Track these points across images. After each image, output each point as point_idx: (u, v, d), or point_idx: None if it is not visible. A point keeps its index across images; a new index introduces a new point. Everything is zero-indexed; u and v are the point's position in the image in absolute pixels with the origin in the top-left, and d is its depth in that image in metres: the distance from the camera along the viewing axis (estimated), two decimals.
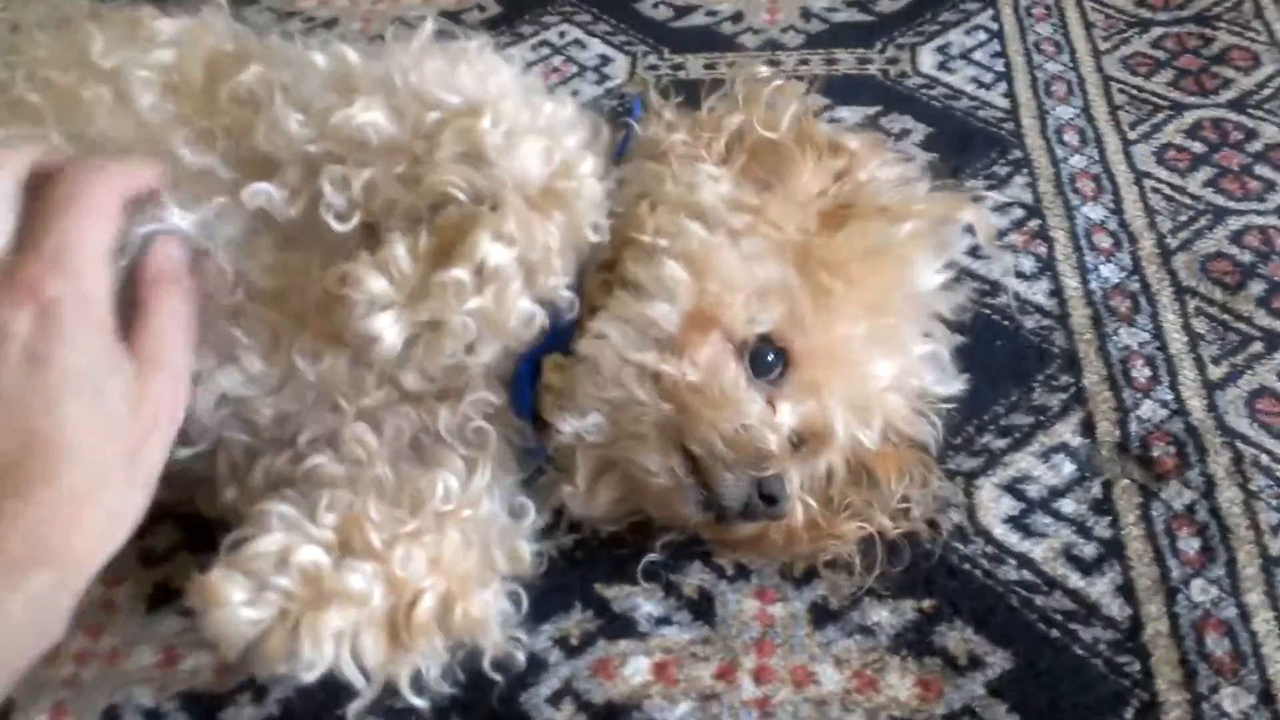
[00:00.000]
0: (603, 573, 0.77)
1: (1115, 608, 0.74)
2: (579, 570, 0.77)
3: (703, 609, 0.75)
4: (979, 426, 0.86)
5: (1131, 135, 1.13)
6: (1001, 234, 1.02)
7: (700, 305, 0.72)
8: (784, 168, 0.77)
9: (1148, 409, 0.86)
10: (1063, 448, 0.84)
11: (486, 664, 0.70)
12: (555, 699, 0.71)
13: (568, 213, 0.70)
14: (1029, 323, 0.94)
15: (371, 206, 0.69)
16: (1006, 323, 0.94)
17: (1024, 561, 0.77)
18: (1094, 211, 1.04)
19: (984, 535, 0.79)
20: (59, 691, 0.71)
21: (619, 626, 0.74)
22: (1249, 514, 0.79)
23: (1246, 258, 0.99)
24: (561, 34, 1.32)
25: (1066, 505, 0.81)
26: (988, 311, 0.94)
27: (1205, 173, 1.08)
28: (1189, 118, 1.15)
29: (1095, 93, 1.18)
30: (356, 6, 1.38)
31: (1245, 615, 0.73)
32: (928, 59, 1.25)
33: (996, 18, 1.30)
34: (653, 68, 1.26)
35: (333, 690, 0.67)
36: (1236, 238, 1.01)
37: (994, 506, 0.81)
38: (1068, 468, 0.83)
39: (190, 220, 0.71)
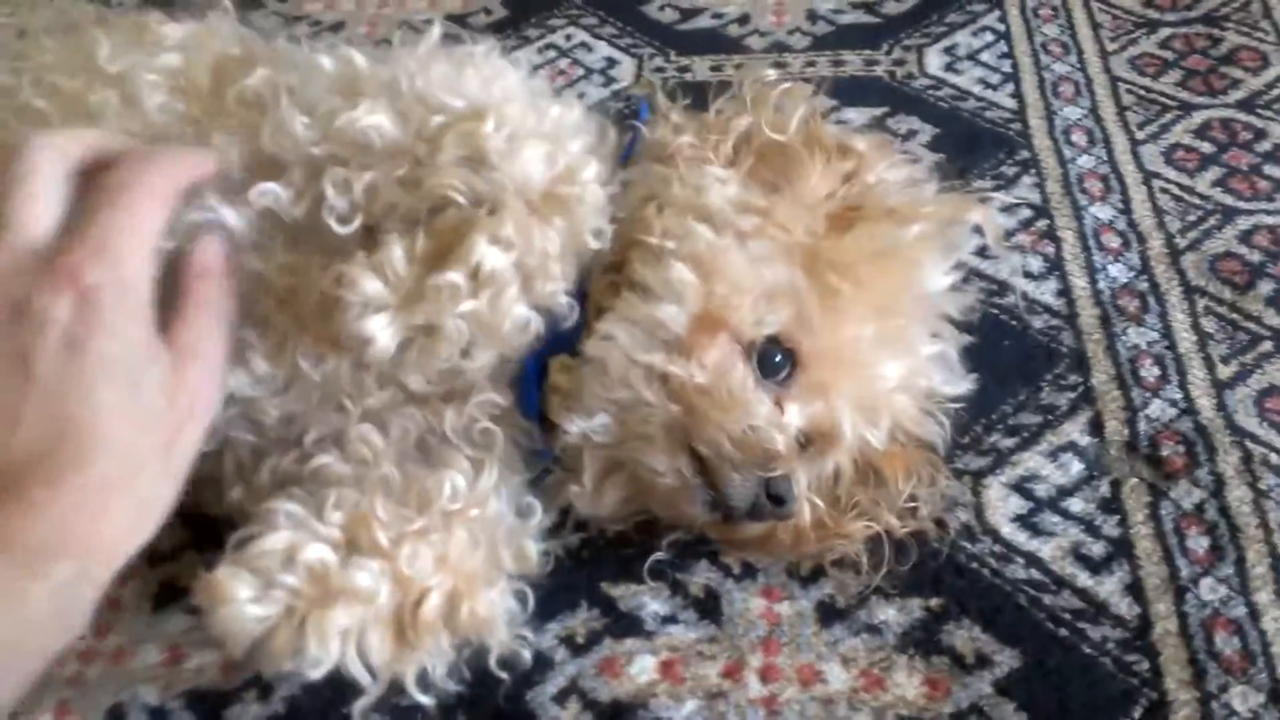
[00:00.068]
0: (609, 571, 0.77)
1: (1124, 606, 0.74)
2: (585, 569, 0.77)
3: (709, 608, 0.75)
4: (987, 426, 0.85)
5: (1139, 135, 1.12)
6: (1009, 234, 1.01)
7: (708, 307, 0.72)
8: (792, 170, 0.77)
9: (1156, 408, 0.86)
10: (1071, 447, 0.84)
11: (493, 662, 0.70)
12: (561, 697, 0.71)
13: (569, 218, 0.70)
14: (1037, 322, 0.94)
15: (373, 209, 0.69)
16: (1014, 323, 0.94)
17: (1032, 560, 0.77)
18: (1102, 211, 1.04)
19: (992, 534, 0.79)
20: (63, 690, 0.72)
21: (625, 625, 0.74)
22: (1258, 513, 0.78)
23: (1256, 257, 0.98)
24: (568, 37, 1.32)
25: (1075, 504, 0.80)
26: (996, 311, 0.94)
27: (1214, 172, 1.07)
28: (1197, 118, 1.14)
29: (1103, 93, 1.18)
30: (362, 10, 1.39)
31: (1255, 614, 0.73)
32: (935, 60, 1.25)
33: (1003, 19, 1.30)
34: (659, 70, 1.26)
35: (339, 688, 0.67)
36: (1245, 237, 1.00)
37: (1002, 505, 0.80)
38: (1076, 467, 0.83)
39: (236, 214, 0.71)
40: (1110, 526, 0.79)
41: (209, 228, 0.70)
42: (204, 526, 0.77)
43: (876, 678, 0.71)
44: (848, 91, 1.18)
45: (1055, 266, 0.99)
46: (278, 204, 0.70)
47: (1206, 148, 1.10)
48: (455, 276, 0.65)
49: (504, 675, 0.70)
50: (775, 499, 0.71)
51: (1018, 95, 1.19)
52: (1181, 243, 1.00)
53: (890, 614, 0.74)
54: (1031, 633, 0.73)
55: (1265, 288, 0.95)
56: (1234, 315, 0.93)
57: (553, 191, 0.69)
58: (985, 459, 0.83)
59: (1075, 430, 0.85)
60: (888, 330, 0.75)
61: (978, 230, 0.83)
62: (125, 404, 0.60)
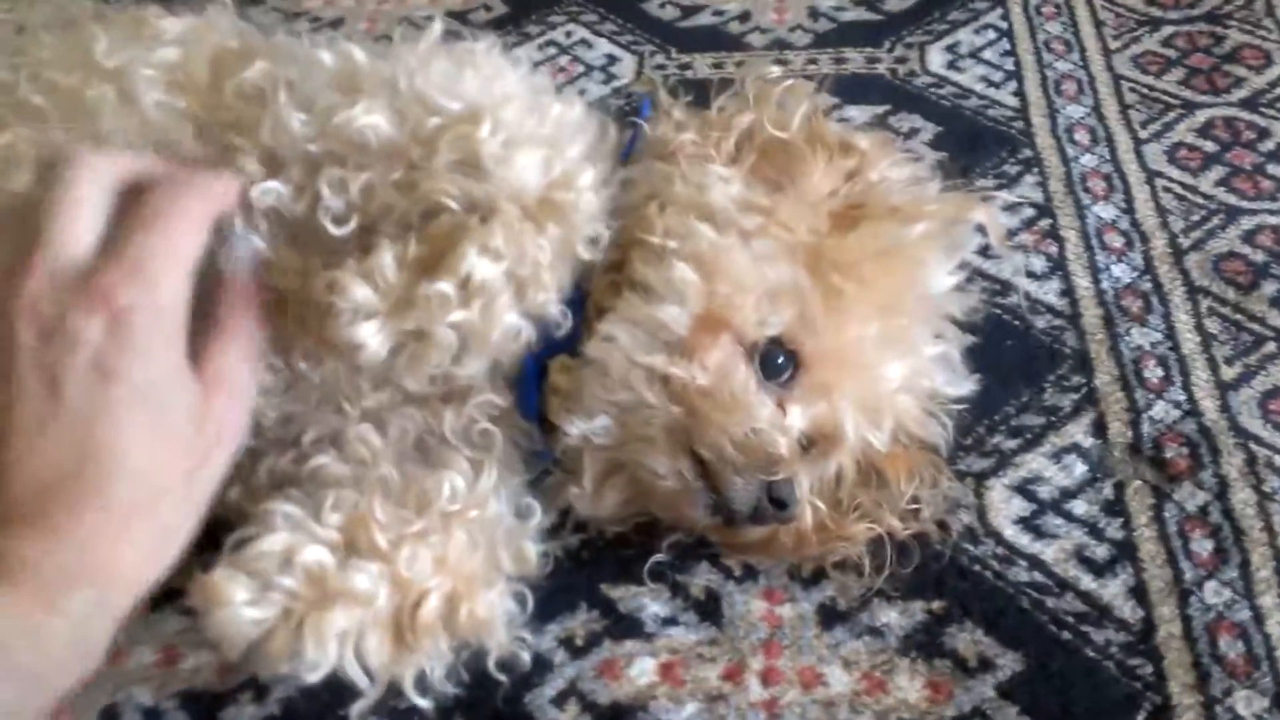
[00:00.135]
0: (609, 573, 0.76)
1: (1127, 610, 0.73)
2: (585, 570, 0.76)
3: (710, 610, 0.75)
4: (990, 427, 0.85)
5: (1143, 134, 1.12)
6: (1012, 233, 1.01)
7: (710, 307, 0.71)
8: (794, 167, 0.76)
9: (1160, 410, 0.86)
10: (1074, 448, 0.84)
11: (492, 664, 0.69)
12: (560, 699, 0.70)
13: (563, 226, 0.69)
14: (1040, 323, 0.93)
15: (369, 210, 0.68)
16: (1017, 323, 0.93)
17: (1035, 563, 0.76)
18: (1105, 211, 1.03)
19: (994, 536, 0.78)
20: None
21: (625, 627, 0.74)
22: (1263, 516, 0.78)
23: (1259, 257, 0.98)
24: (568, 34, 1.31)
25: (1078, 506, 0.80)
26: (998, 312, 0.93)
27: (1217, 172, 1.07)
28: (1200, 116, 1.14)
29: (1106, 91, 1.18)
30: (362, 7, 1.38)
31: (1259, 618, 0.72)
32: (937, 58, 1.24)
33: (1006, 16, 1.30)
34: (660, 67, 1.25)
35: (336, 690, 0.67)
36: (1249, 237, 1.00)
37: (1005, 507, 0.80)
38: (1079, 469, 0.82)
39: (261, 238, 0.70)
40: (1114, 529, 0.78)
41: (241, 253, 0.69)
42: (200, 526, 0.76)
43: (878, 681, 0.71)
44: (849, 89, 1.18)
45: (1058, 266, 0.98)
46: (280, 202, 0.69)
47: (1210, 147, 1.10)
48: (445, 286, 0.65)
49: (503, 678, 0.70)
50: (777, 502, 0.71)
51: (1020, 93, 1.18)
52: (1185, 242, 1.00)
53: (892, 616, 0.74)
54: (1034, 636, 0.72)
55: (1269, 288, 0.95)
56: (1238, 316, 0.93)
57: (548, 198, 0.69)
58: (988, 460, 0.83)
59: (1078, 432, 0.85)
60: (891, 331, 0.75)
61: (980, 229, 0.83)
62: (152, 430, 0.60)
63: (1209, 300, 0.94)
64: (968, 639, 0.72)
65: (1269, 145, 1.10)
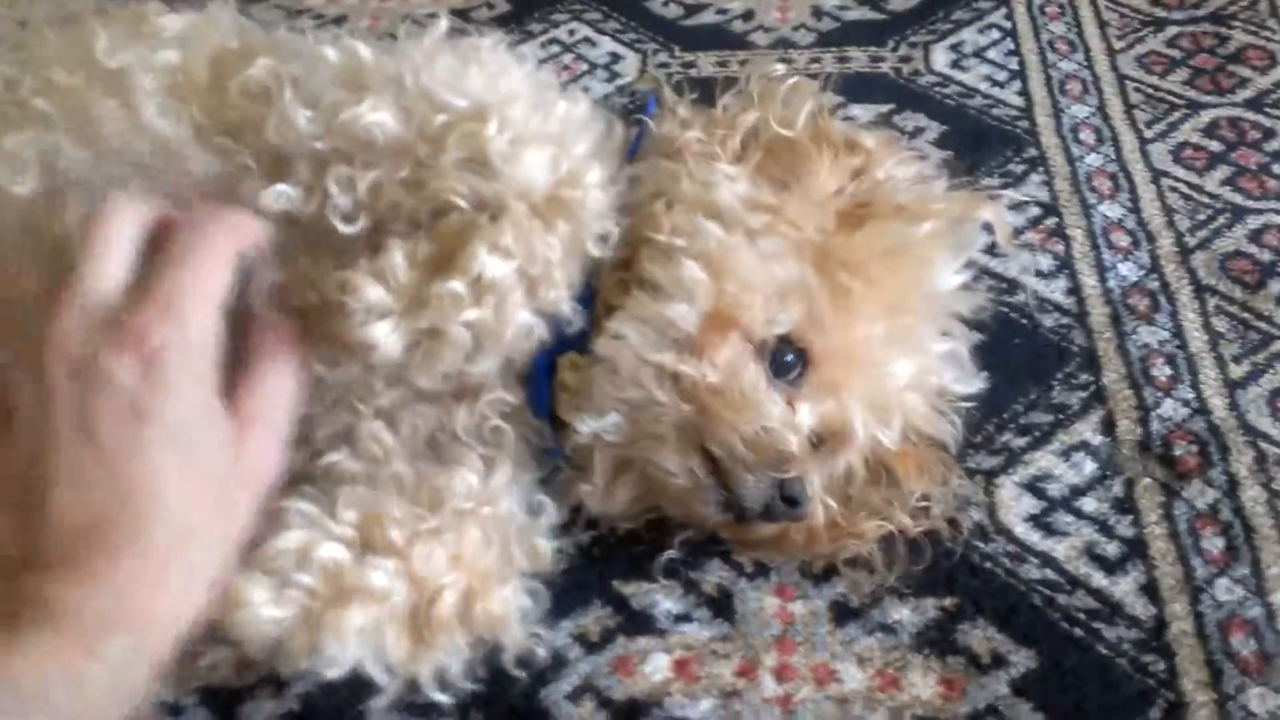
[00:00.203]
0: (621, 570, 0.76)
1: (1139, 607, 0.74)
2: (597, 567, 0.76)
3: (722, 606, 0.75)
4: (999, 425, 0.85)
5: (1148, 134, 1.12)
6: (1019, 232, 1.01)
7: (719, 306, 0.71)
8: (800, 166, 0.76)
9: (1169, 407, 0.86)
10: (1083, 446, 0.84)
11: (508, 660, 0.69)
12: (575, 696, 0.70)
13: (572, 223, 0.69)
14: (1048, 321, 0.93)
15: (377, 208, 0.68)
16: (1025, 321, 0.93)
17: (1046, 560, 0.76)
18: (1111, 210, 1.03)
19: (1005, 534, 0.78)
20: None
21: (638, 623, 0.74)
22: (1273, 513, 0.78)
23: (1266, 256, 0.98)
24: (571, 31, 1.31)
25: (1088, 504, 0.80)
26: (1006, 310, 0.93)
27: (1223, 171, 1.07)
28: (1205, 116, 1.14)
29: (1110, 91, 1.18)
30: (365, 4, 1.38)
31: (1271, 614, 0.72)
32: (941, 57, 1.24)
33: (1010, 16, 1.30)
34: (663, 66, 1.25)
35: (353, 686, 0.67)
36: (1255, 236, 1.00)
37: (1015, 505, 0.80)
38: (1089, 466, 0.82)
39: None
40: (1124, 526, 0.78)
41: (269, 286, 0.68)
42: None
43: (892, 677, 0.71)
44: (853, 88, 1.18)
45: (1065, 265, 0.98)
46: (291, 205, 0.69)
47: (1215, 146, 1.10)
48: (457, 285, 0.65)
49: (520, 673, 0.70)
50: (789, 500, 0.71)
51: (1025, 93, 1.18)
52: (1191, 241, 1.00)
53: (905, 613, 0.74)
54: (1047, 633, 0.72)
55: (1276, 287, 0.95)
56: (1245, 314, 0.93)
57: (556, 195, 0.69)
58: (997, 458, 0.83)
59: (1087, 429, 0.85)
60: (899, 329, 0.75)
61: (987, 228, 0.83)
62: (186, 470, 0.59)
63: (1216, 299, 0.94)
64: (980, 636, 0.72)
65: (1274, 145, 1.10)
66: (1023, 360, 0.90)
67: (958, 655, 0.71)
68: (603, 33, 1.31)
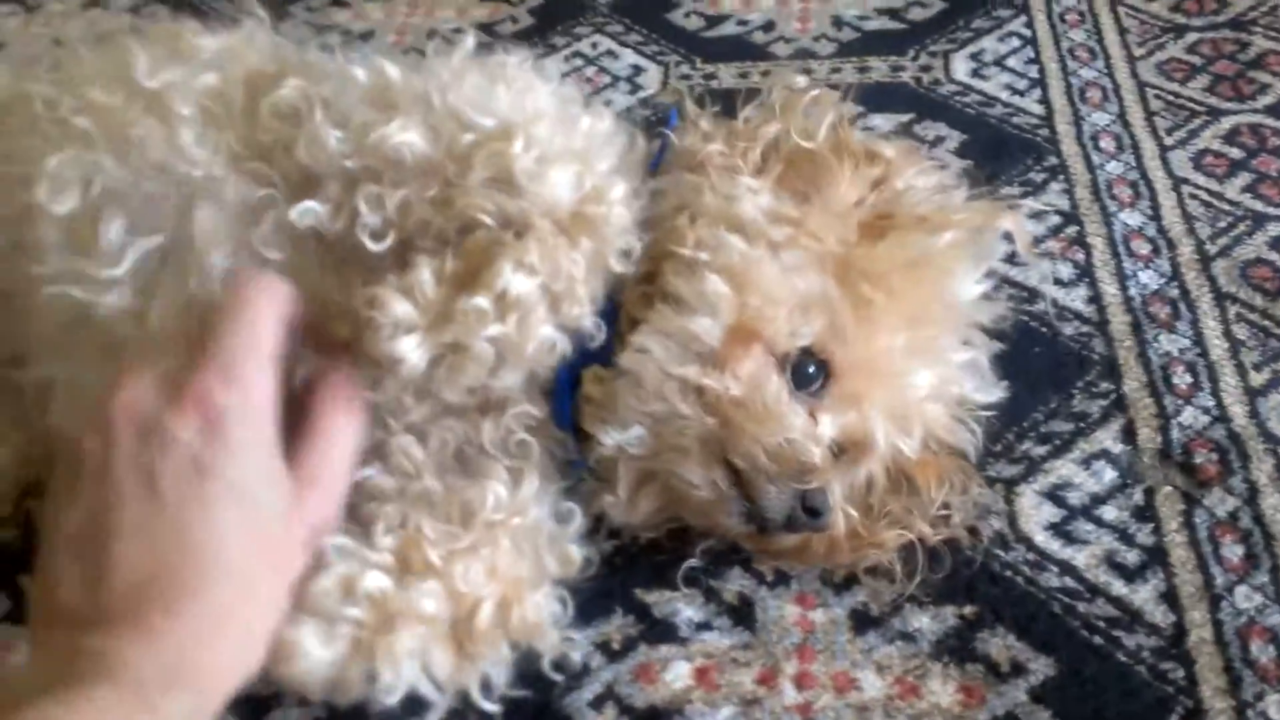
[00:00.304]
0: (643, 578, 0.77)
1: (1159, 615, 0.74)
2: (619, 576, 0.77)
3: (743, 614, 0.75)
4: (1019, 433, 0.86)
5: (1168, 141, 1.12)
6: (1039, 241, 1.01)
7: (742, 319, 0.72)
8: (821, 177, 0.77)
9: (1189, 415, 0.86)
10: (1104, 454, 0.84)
11: (546, 665, 0.70)
12: (597, 703, 0.71)
13: (596, 239, 0.70)
14: (1068, 329, 0.94)
15: (406, 225, 0.70)
16: (1045, 330, 0.94)
17: (1066, 568, 0.77)
18: (1132, 218, 1.04)
19: (1025, 542, 0.79)
20: None
21: (660, 631, 0.75)
22: None
23: None
24: (594, 45, 1.32)
25: (1108, 512, 0.80)
26: (1026, 319, 0.94)
27: (1243, 178, 1.07)
28: (1226, 123, 1.14)
29: (1131, 99, 1.18)
30: (391, 20, 1.39)
31: None
32: (961, 66, 1.25)
33: (1030, 24, 1.30)
34: (685, 77, 1.26)
35: None
36: (1276, 244, 1.00)
37: (1035, 513, 0.80)
38: (1109, 474, 0.83)
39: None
40: (1144, 534, 0.79)
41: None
42: None
43: (911, 685, 0.71)
44: (874, 98, 1.19)
45: (1085, 273, 0.99)
46: (319, 221, 0.70)
47: (1235, 153, 1.10)
48: (482, 301, 0.66)
49: (557, 677, 0.71)
50: (811, 511, 0.72)
51: (1045, 101, 1.19)
52: (1212, 249, 1.00)
53: (924, 622, 0.74)
54: (1066, 641, 0.73)
55: None
56: (1266, 322, 0.93)
57: (580, 212, 0.70)
58: (1017, 467, 0.84)
59: (1108, 438, 0.85)
60: (920, 339, 0.75)
61: (1007, 237, 0.83)
62: (245, 530, 0.60)
63: (1237, 306, 0.95)
64: (1000, 644, 0.73)
65: None
66: (1043, 369, 0.91)
67: (977, 663, 0.72)
68: (625, 45, 1.32)
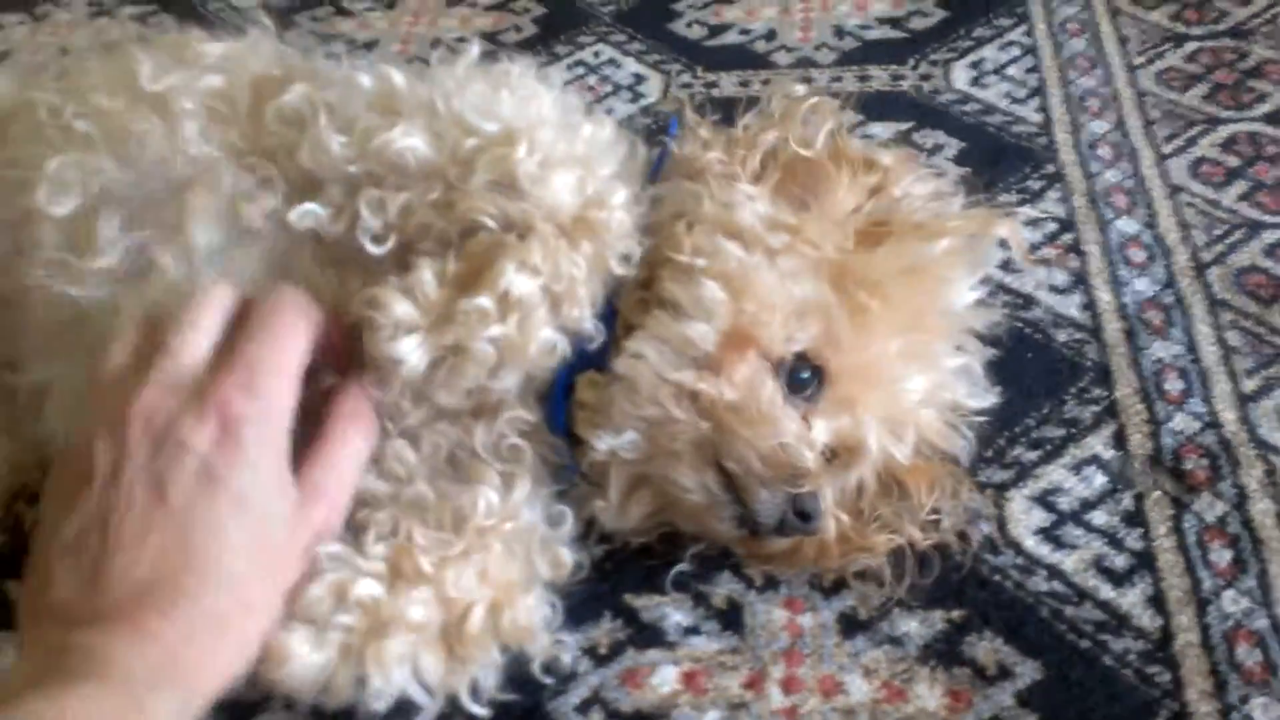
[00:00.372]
0: (632, 583, 0.78)
1: (1146, 619, 0.74)
2: (608, 580, 0.77)
3: (732, 619, 0.76)
4: (1010, 439, 0.86)
5: (1166, 149, 1.12)
6: (1035, 248, 1.02)
7: (738, 324, 0.72)
8: (819, 184, 0.77)
9: (1180, 421, 0.86)
10: (1094, 460, 0.84)
11: (536, 668, 0.71)
12: (584, 707, 0.71)
13: (596, 243, 0.71)
14: (1061, 336, 0.94)
15: (407, 229, 0.70)
16: (1039, 336, 0.94)
17: (1054, 573, 0.77)
18: (1128, 225, 1.04)
19: (1014, 547, 0.79)
20: None
21: (648, 636, 0.75)
22: None
23: None
24: (596, 54, 1.33)
25: (1098, 517, 0.80)
26: (1020, 325, 0.94)
27: (1240, 186, 1.07)
28: (1223, 132, 1.14)
29: (1129, 107, 1.18)
30: (395, 29, 1.40)
31: (1277, 626, 0.73)
32: (961, 75, 1.25)
33: (1030, 33, 1.31)
34: (686, 86, 1.27)
35: None
36: (1271, 251, 1.00)
37: (1025, 518, 0.81)
38: (1099, 480, 0.83)
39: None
40: (1133, 539, 0.79)
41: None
42: None
43: (898, 689, 0.71)
44: (874, 106, 1.19)
45: (1080, 280, 0.99)
46: (318, 223, 0.71)
47: (1233, 161, 1.11)
48: (484, 301, 0.67)
49: (547, 679, 0.71)
50: (803, 515, 0.72)
51: (1044, 109, 1.19)
52: (1207, 257, 1.00)
53: (912, 626, 0.75)
54: (1054, 644, 0.73)
55: None
56: (1259, 329, 0.93)
57: (583, 216, 0.70)
58: (1008, 472, 0.84)
59: (1099, 444, 0.85)
60: (914, 345, 0.76)
61: (1003, 244, 0.84)
62: (249, 539, 0.61)
63: (1230, 313, 0.95)
64: (987, 648, 0.73)
65: None
66: (1036, 375, 0.91)
67: (964, 667, 0.72)
68: (627, 54, 1.33)
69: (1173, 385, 0.89)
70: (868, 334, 0.74)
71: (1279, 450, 0.83)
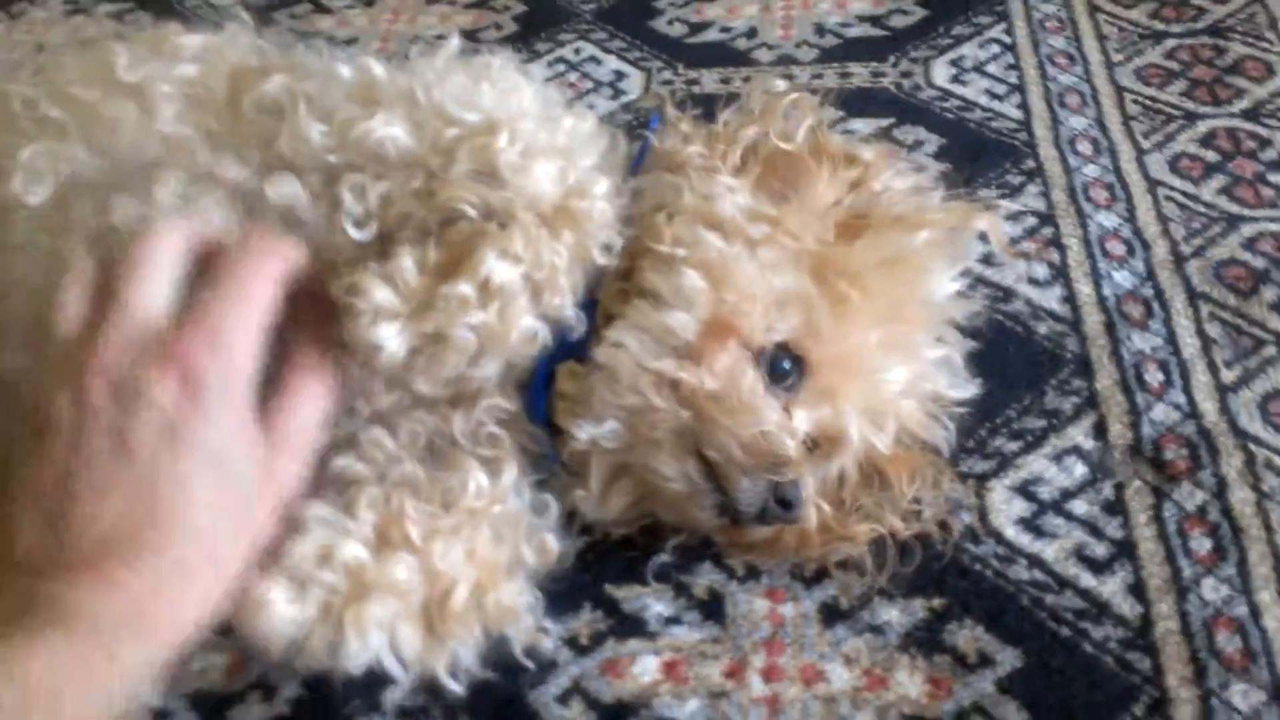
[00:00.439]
0: (613, 573, 0.77)
1: (1126, 606, 0.74)
2: (589, 571, 0.77)
3: (713, 609, 0.75)
4: (991, 430, 0.86)
5: (1145, 145, 1.13)
6: (1015, 241, 1.02)
7: (718, 314, 0.72)
8: (799, 178, 0.77)
9: (1160, 412, 0.86)
10: (1075, 450, 0.84)
11: (518, 651, 0.71)
12: (564, 697, 0.71)
13: (578, 233, 0.71)
14: (1042, 328, 0.94)
15: (387, 217, 0.70)
16: (1019, 329, 0.94)
17: (1035, 561, 0.77)
18: (1107, 219, 1.04)
19: (995, 536, 0.79)
20: None
21: (629, 626, 0.75)
22: (1261, 514, 0.79)
23: (1259, 263, 0.99)
24: (577, 50, 1.33)
25: (1078, 506, 0.81)
26: (1001, 317, 0.94)
27: (1219, 181, 1.08)
28: (1202, 127, 1.15)
29: (1109, 104, 1.19)
30: (375, 26, 1.40)
31: (1256, 613, 0.73)
32: (941, 72, 1.25)
33: (1010, 31, 1.31)
34: (667, 83, 1.27)
35: (346, 689, 0.69)
36: (1250, 244, 1.01)
37: (1006, 508, 0.81)
38: (1080, 470, 0.83)
39: None
40: (1113, 528, 0.79)
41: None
42: None
43: (879, 677, 0.71)
44: (854, 102, 1.19)
45: (1060, 273, 0.99)
46: (296, 204, 0.71)
47: (1211, 156, 1.11)
48: (465, 288, 0.66)
49: (529, 664, 0.71)
50: (784, 503, 0.72)
51: (1024, 106, 1.19)
52: (1186, 250, 1.01)
53: (893, 614, 0.75)
54: (1034, 632, 0.73)
55: (1269, 294, 0.96)
56: (1238, 321, 0.94)
57: (564, 205, 0.70)
58: (989, 462, 0.84)
59: (1079, 434, 0.86)
60: (894, 336, 0.76)
61: (983, 237, 0.84)
62: (215, 490, 0.60)
63: (1209, 305, 0.95)
64: (968, 636, 0.73)
65: (1270, 155, 1.11)
66: (1017, 366, 0.91)
67: (945, 655, 0.72)
68: (608, 51, 1.32)
69: (1153, 376, 0.89)
70: (848, 324, 0.74)
71: (1258, 440, 0.84)
